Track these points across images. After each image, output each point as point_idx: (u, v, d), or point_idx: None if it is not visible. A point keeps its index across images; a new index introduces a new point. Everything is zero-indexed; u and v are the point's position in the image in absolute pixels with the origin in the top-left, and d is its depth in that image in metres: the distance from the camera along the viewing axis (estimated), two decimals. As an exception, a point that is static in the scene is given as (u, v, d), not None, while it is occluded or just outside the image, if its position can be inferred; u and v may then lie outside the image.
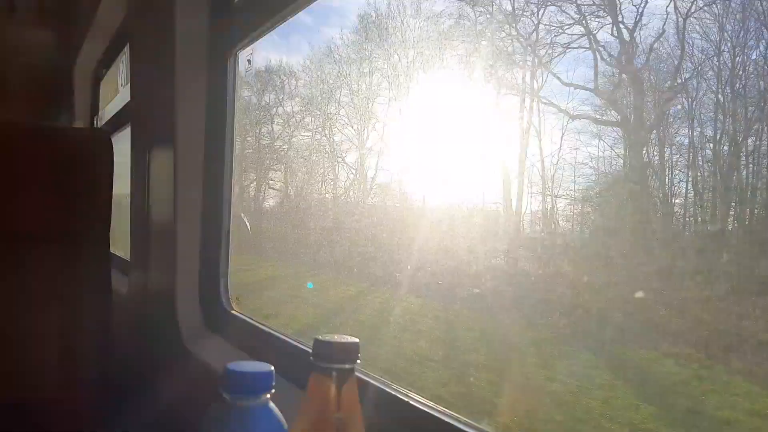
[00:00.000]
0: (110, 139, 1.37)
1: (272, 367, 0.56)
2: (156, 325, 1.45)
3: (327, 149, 2.72)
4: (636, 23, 1.34)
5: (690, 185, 1.39)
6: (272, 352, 1.12)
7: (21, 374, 1.26)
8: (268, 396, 0.56)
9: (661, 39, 1.31)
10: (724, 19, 1.24)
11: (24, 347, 1.28)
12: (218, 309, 1.37)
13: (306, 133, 3.03)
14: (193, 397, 1.05)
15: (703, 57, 1.30)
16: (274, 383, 0.56)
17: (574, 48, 1.54)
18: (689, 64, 1.31)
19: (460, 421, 0.74)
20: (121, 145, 1.69)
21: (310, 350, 0.60)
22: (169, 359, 1.33)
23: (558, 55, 1.60)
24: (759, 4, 1.21)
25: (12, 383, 1.23)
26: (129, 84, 1.93)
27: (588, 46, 1.49)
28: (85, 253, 1.35)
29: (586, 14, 1.50)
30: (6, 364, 1.24)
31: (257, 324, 1.24)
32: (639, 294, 1.42)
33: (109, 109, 2.83)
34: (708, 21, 1.26)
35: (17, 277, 1.28)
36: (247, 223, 1.44)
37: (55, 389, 1.29)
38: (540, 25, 1.59)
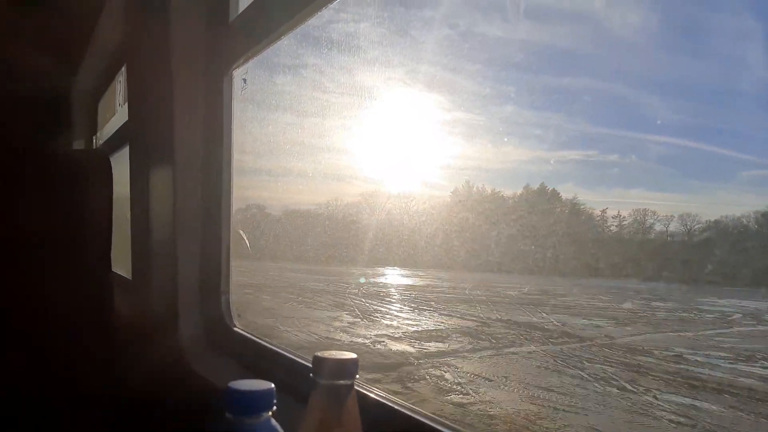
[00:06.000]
0: (109, 160, 1.39)
1: (273, 385, 0.57)
2: (158, 343, 1.45)
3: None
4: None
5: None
6: (275, 368, 1.12)
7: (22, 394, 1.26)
8: (270, 414, 0.57)
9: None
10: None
11: (25, 366, 1.28)
12: (220, 326, 1.37)
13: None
14: (195, 415, 1.05)
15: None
16: (275, 401, 0.57)
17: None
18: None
19: (461, 434, 0.74)
20: (120, 164, 1.71)
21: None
22: (171, 377, 1.33)
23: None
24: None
25: (13, 399, 1.24)
26: (126, 104, 1.94)
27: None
28: (87, 273, 1.36)
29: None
30: (8, 378, 1.24)
31: (259, 341, 1.24)
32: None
33: (108, 129, 2.85)
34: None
35: (18, 298, 1.28)
36: (246, 240, 1.46)
37: (56, 407, 1.29)
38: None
